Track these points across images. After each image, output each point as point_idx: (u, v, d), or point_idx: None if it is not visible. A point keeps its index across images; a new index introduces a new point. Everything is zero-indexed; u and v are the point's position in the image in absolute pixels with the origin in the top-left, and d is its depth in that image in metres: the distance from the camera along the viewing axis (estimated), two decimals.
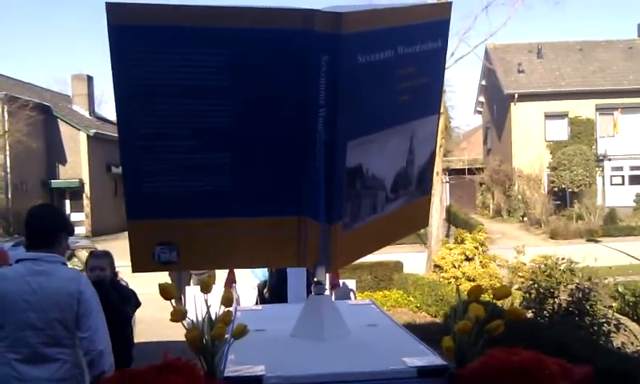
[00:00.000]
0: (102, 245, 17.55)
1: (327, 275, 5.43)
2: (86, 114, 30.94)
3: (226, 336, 2.11)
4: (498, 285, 9.11)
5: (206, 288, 2.03)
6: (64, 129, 27.74)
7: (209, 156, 2.22)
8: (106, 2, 1.97)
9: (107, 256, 3.99)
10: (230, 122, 2.18)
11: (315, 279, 2.58)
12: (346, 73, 2.05)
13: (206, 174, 2.24)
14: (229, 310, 2.05)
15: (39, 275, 2.72)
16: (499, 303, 3.75)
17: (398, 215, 2.56)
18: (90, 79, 31.91)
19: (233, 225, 2.33)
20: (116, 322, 3.62)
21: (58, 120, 27.65)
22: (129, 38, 2.03)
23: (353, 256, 2.69)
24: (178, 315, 2.00)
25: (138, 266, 2.39)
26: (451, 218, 23.80)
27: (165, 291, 2.02)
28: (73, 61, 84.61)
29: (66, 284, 2.75)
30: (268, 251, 2.46)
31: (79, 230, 25.75)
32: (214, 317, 2.03)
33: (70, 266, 5.48)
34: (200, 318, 1.99)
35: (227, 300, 2.06)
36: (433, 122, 2.61)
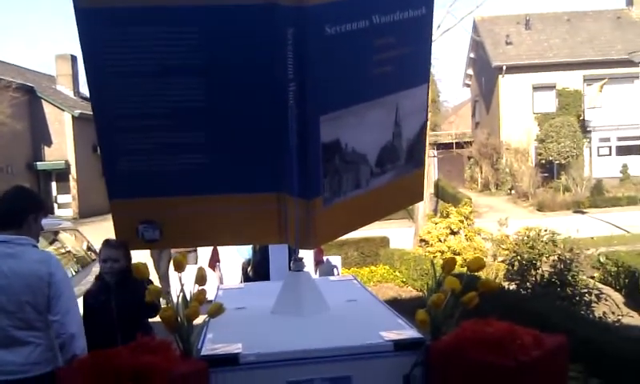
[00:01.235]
0: (89, 226, 17.47)
1: (312, 252, 5.44)
2: (71, 94, 30.54)
3: (204, 315, 2.12)
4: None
5: (178, 267, 2.04)
6: (48, 110, 27.39)
7: (185, 134, 2.23)
8: None
9: (122, 246, 3.59)
10: (204, 99, 2.18)
11: (295, 256, 2.59)
12: (314, 45, 2.03)
13: (183, 152, 2.26)
14: (203, 289, 2.05)
15: (9, 258, 2.70)
16: (481, 275, 3.79)
17: (388, 190, 2.53)
18: (74, 59, 31.40)
19: (212, 202, 2.34)
20: (143, 316, 3.55)
21: (42, 101, 27.28)
22: (96, 20, 2.04)
23: (337, 232, 2.69)
24: (153, 294, 2.01)
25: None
26: (440, 193, 23.91)
27: (138, 270, 2.02)
28: (56, 41, 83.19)
29: (37, 266, 2.72)
30: (249, 228, 2.47)
31: (66, 213, 25.64)
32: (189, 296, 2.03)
33: (52, 249, 5.47)
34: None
35: (201, 278, 2.07)
36: (421, 93, 2.53)
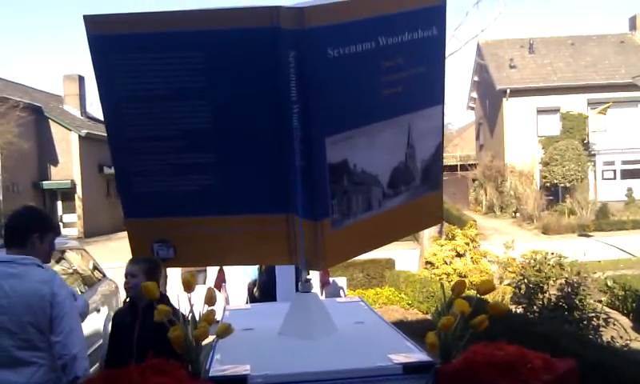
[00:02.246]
0: (94, 246, 17.48)
1: (318, 273, 5.42)
2: (78, 114, 30.79)
3: (212, 336, 2.12)
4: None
5: (188, 287, 2.03)
6: (55, 129, 27.59)
7: (194, 155, 2.27)
8: (84, 15, 2.07)
9: (142, 262, 3.31)
10: (211, 122, 2.22)
11: (302, 277, 2.58)
12: (316, 68, 2.04)
13: (193, 173, 2.29)
14: (212, 309, 2.05)
15: (12, 278, 2.69)
16: (488, 298, 3.77)
17: (403, 211, 2.49)
18: (81, 79, 31.74)
19: (223, 223, 2.37)
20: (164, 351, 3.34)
21: (50, 120, 27.49)
22: (108, 46, 2.11)
23: (349, 253, 2.67)
24: (162, 314, 2.00)
25: None
26: (444, 215, 23.83)
27: (147, 290, 2.03)
28: (64, 61, 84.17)
29: (39, 286, 2.70)
30: (260, 249, 2.47)
31: (71, 232, 25.68)
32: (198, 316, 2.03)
33: (59, 268, 5.46)
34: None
35: (210, 299, 2.06)
36: (435, 114, 2.48)
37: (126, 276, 3.43)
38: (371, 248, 2.76)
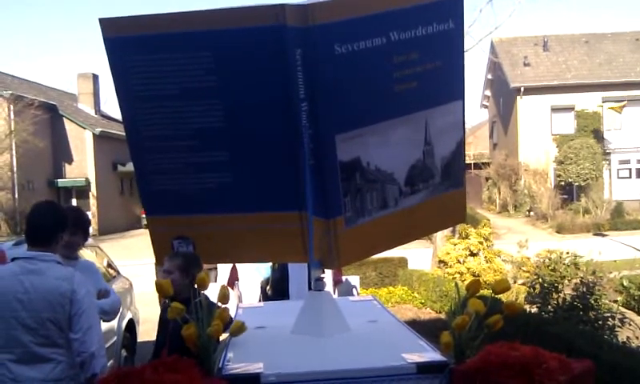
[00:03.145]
0: (108, 243, 17.60)
1: (330, 271, 5.40)
2: (92, 112, 31.02)
3: (225, 333, 2.12)
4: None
5: (201, 285, 2.04)
6: (70, 127, 27.82)
7: (209, 154, 2.29)
8: (100, 18, 2.12)
9: (178, 257, 3.14)
10: (224, 120, 2.23)
11: (315, 275, 2.57)
12: (322, 65, 2.03)
13: (208, 171, 2.32)
14: (225, 308, 2.05)
15: (32, 274, 2.70)
16: (503, 297, 3.73)
17: (424, 209, 2.46)
18: (95, 77, 31.97)
19: (238, 220, 2.39)
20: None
21: (64, 119, 27.72)
22: (122, 48, 2.16)
23: (365, 252, 2.65)
24: (175, 312, 2.01)
25: (160, 259, 2.60)
26: None
27: (161, 288, 2.03)
28: (78, 59, 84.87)
29: (59, 283, 2.71)
30: (275, 246, 2.49)
31: None
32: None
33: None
34: None
35: (224, 297, 2.07)
36: (455, 109, 2.42)
37: (164, 272, 3.42)
38: (390, 246, 2.74)
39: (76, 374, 2.79)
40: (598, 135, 27.89)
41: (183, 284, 2.84)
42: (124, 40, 2.15)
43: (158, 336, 3.42)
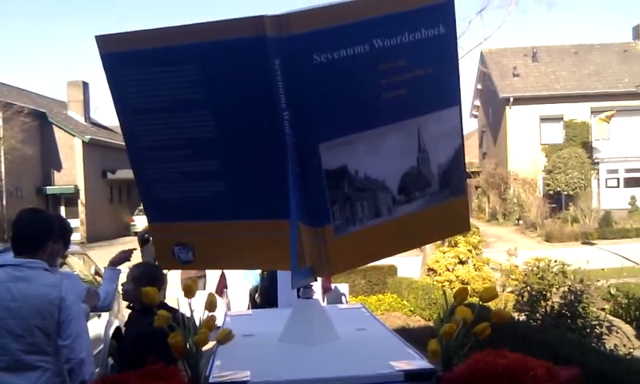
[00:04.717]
0: (97, 251, 17.48)
1: (319, 279, 5.41)
2: (82, 119, 30.90)
3: (212, 342, 2.11)
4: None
5: (189, 292, 2.03)
6: (59, 135, 27.69)
7: (202, 163, 2.33)
8: (96, 36, 2.21)
9: (138, 268, 3.30)
10: (213, 131, 2.26)
11: (299, 283, 2.57)
12: (301, 74, 2.03)
13: (202, 180, 2.35)
14: (212, 315, 2.04)
15: (20, 281, 2.68)
16: (491, 305, 3.75)
17: (423, 218, 2.41)
18: (85, 85, 31.90)
19: (233, 227, 2.41)
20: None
21: (53, 126, 27.60)
22: (117, 63, 2.23)
23: (358, 260, 2.63)
24: (162, 320, 1.99)
25: (163, 265, 2.71)
26: None
27: (147, 295, 2.02)
28: (68, 67, 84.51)
29: (47, 290, 2.70)
30: (270, 254, 2.48)
31: (74, 237, 25.65)
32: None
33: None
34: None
35: (211, 304, 2.05)
36: (452, 116, 2.35)
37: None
38: (386, 255, 2.72)
39: (62, 381, 2.76)
40: (587, 145, 28.16)
41: (135, 295, 2.93)
42: (117, 55, 2.22)
43: (120, 345, 3.47)
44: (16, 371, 2.66)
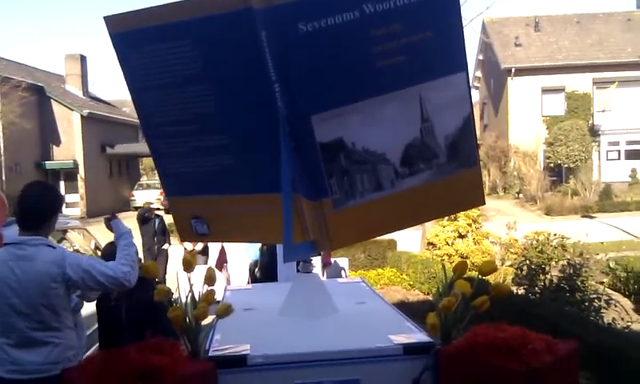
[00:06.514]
0: (96, 226, 17.52)
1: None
2: (80, 93, 30.67)
3: (212, 315, 2.11)
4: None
5: (187, 267, 2.03)
6: (57, 109, 27.50)
7: (209, 138, 2.36)
8: (104, 16, 2.23)
9: (109, 245, 3.43)
10: (215, 105, 2.24)
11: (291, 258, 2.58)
12: (287, 44, 1.99)
13: (212, 155, 2.38)
14: (212, 290, 2.04)
15: (22, 260, 2.67)
16: (490, 279, 3.76)
17: (432, 191, 2.32)
18: (83, 59, 31.57)
19: (242, 201, 2.43)
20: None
21: (52, 100, 27.39)
22: (125, 42, 2.27)
23: (363, 234, 2.60)
24: (162, 294, 2.00)
25: (182, 237, 2.77)
26: None
27: (147, 270, 2.03)
28: (66, 40, 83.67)
29: (49, 267, 2.68)
30: (275, 227, 2.43)
31: (74, 212, 25.72)
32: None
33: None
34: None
35: (210, 279, 2.06)
36: (457, 82, 2.21)
37: None
38: (392, 229, 2.69)
39: (75, 354, 2.78)
40: (588, 117, 28.00)
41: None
42: (125, 34, 2.25)
43: (106, 323, 3.49)
44: (27, 347, 2.67)
